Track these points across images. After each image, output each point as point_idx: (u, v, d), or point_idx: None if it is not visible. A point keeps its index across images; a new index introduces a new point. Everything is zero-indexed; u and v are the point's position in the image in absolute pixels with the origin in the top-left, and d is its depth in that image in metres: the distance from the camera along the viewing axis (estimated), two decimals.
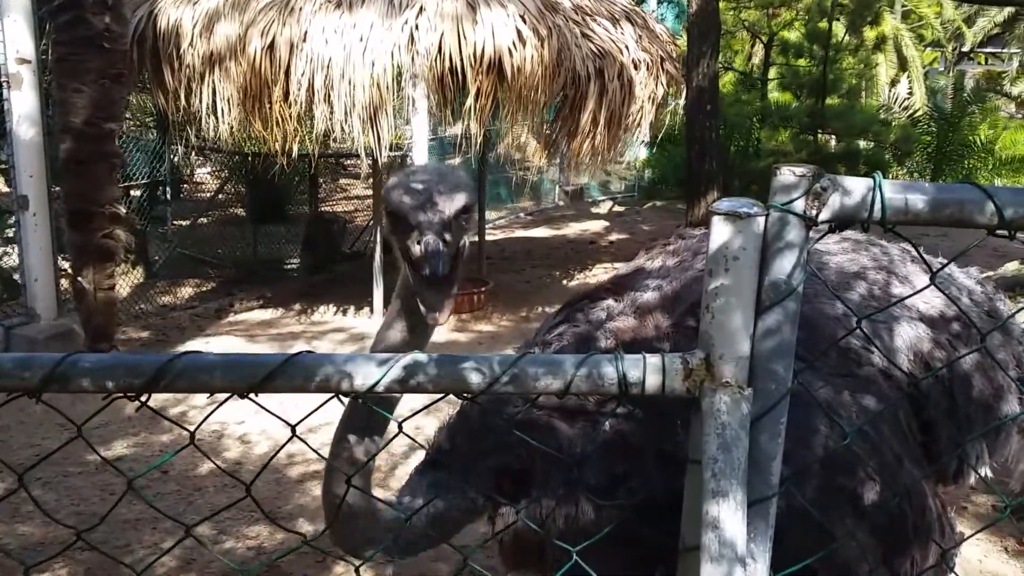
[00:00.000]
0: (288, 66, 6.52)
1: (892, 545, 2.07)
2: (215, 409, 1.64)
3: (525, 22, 6.70)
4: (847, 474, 2.00)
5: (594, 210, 16.63)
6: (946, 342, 2.30)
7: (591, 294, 2.40)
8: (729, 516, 1.39)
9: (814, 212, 1.46)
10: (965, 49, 25.23)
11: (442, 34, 6.48)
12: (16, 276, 7.65)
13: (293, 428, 1.58)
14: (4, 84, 6.79)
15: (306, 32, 6.51)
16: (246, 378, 1.48)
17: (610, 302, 2.30)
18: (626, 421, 2.05)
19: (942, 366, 2.26)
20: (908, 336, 2.26)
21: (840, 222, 1.49)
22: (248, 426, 5.47)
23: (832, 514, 1.95)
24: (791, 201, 1.45)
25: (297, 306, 8.74)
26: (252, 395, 1.49)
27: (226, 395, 1.49)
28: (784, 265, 1.46)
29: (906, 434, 2.17)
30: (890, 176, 15.84)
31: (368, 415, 1.90)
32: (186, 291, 9.23)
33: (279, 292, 9.24)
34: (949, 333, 2.32)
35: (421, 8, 6.58)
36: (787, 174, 1.46)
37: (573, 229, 14.21)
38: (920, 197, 1.47)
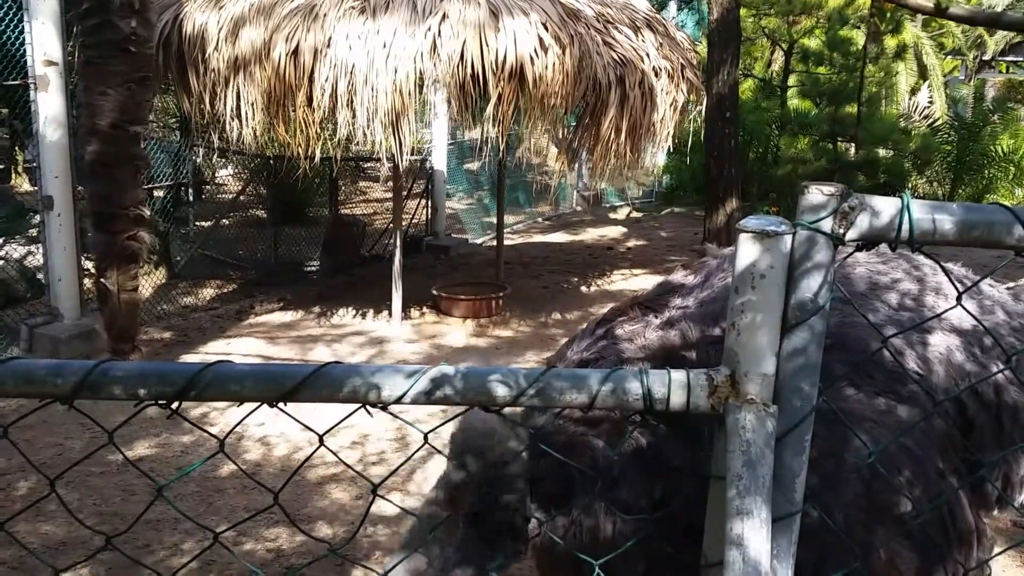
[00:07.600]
0: (312, 72, 6.55)
1: (929, 557, 2.07)
2: (245, 417, 1.67)
3: (547, 30, 6.71)
4: (888, 486, 2.01)
5: (612, 216, 16.63)
6: (984, 359, 2.27)
7: (626, 309, 2.39)
8: (753, 534, 1.40)
9: (842, 231, 1.46)
10: (986, 58, 25.05)
11: (464, 41, 6.49)
12: (40, 276, 7.74)
13: (321, 438, 1.61)
14: (32, 86, 6.88)
15: (330, 38, 6.54)
16: (275, 388, 1.50)
17: (649, 317, 2.30)
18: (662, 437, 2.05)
19: (983, 379, 2.22)
20: (956, 358, 2.23)
21: (868, 242, 1.49)
22: (268, 428, 5.50)
23: (871, 525, 1.96)
24: (819, 220, 1.45)
25: (317, 309, 8.78)
26: (281, 405, 1.52)
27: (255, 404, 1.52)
28: (811, 284, 1.47)
29: (951, 454, 2.15)
30: (909, 185, 15.74)
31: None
32: (208, 292, 9.29)
33: (299, 294, 9.28)
34: (986, 351, 2.29)
35: (444, 15, 6.60)
36: (815, 193, 1.46)
37: (591, 235, 14.21)
38: (948, 218, 1.47)
